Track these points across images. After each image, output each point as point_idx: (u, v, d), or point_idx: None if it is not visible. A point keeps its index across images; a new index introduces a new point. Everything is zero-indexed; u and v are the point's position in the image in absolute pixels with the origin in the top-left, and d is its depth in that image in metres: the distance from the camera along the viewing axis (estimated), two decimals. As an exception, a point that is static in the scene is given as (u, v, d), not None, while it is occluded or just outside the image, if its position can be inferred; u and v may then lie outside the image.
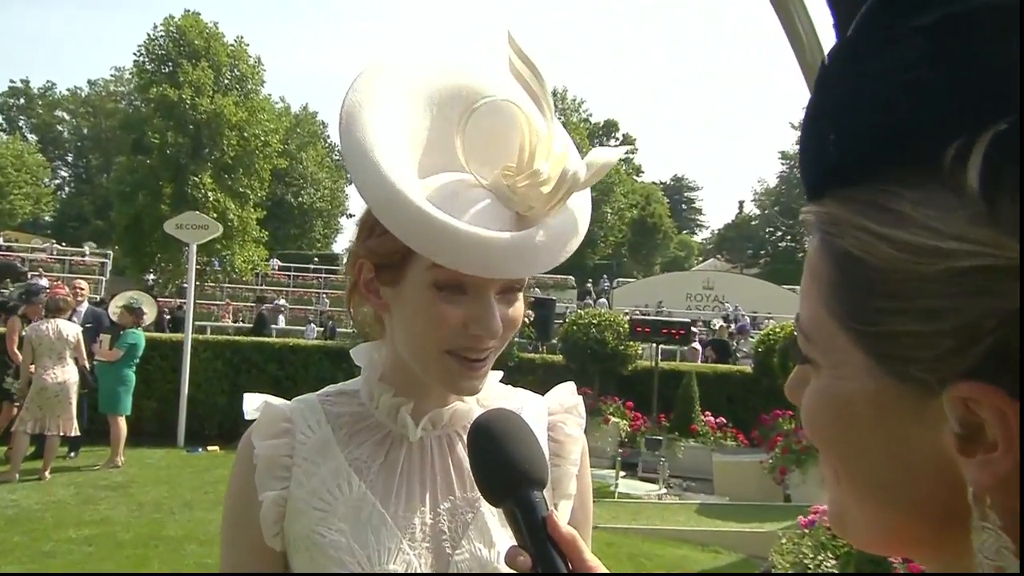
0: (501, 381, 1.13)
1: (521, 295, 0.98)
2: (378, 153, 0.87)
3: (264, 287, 31.60)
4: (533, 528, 0.75)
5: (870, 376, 0.43)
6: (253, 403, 1.06)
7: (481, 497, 0.98)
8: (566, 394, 1.14)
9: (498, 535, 0.98)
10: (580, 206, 0.97)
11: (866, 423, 0.44)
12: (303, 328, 22.90)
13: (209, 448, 9.50)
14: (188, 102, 24.69)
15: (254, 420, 1.04)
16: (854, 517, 0.48)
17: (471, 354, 0.94)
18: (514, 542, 0.76)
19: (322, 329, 22.03)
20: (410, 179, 0.89)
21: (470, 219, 0.88)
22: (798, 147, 0.50)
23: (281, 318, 23.82)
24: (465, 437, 1.03)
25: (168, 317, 17.46)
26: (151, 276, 26.79)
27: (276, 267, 33.54)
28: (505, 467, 0.78)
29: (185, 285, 13.57)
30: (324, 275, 33.61)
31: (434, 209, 0.86)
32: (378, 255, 0.96)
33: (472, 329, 0.92)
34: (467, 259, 0.86)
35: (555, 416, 1.11)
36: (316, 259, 38.64)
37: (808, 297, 0.48)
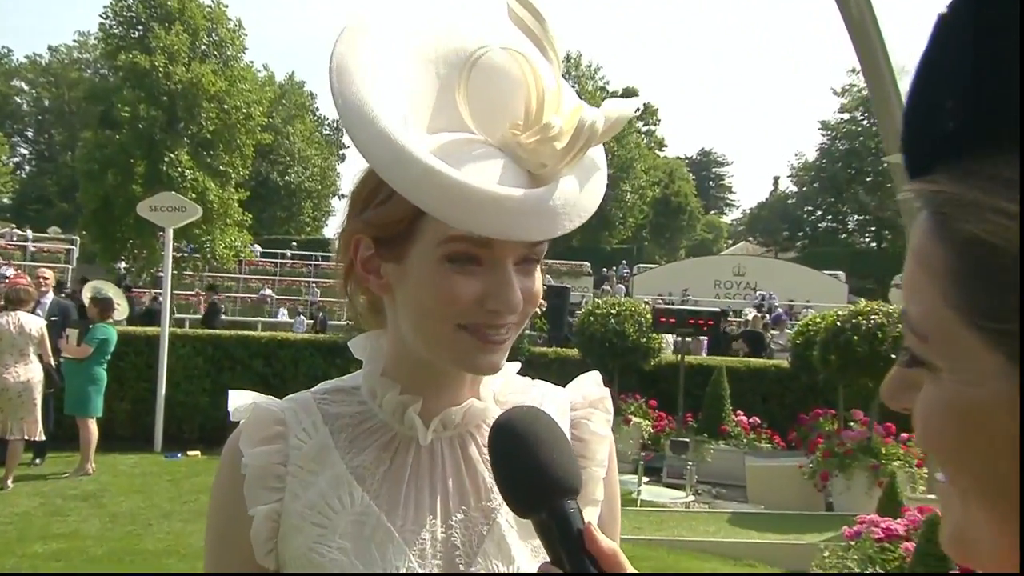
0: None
1: (539, 268, 0.98)
2: (378, 108, 0.88)
3: (248, 276, 31.72)
4: (569, 542, 0.74)
5: (1007, 380, 0.42)
6: (239, 402, 1.05)
7: (497, 507, 0.99)
8: (591, 386, 1.13)
9: (518, 550, 0.98)
10: (596, 162, 0.97)
11: (1003, 434, 0.42)
12: (292, 320, 23.02)
13: (189, 453, 9.54)
14: (161, 70, 24.65)
15: (239, 422, 1.03)
16: (985, 538, 0.46)
17: (490, 332, 0.94)
18: (537, 556, 0.75)
19: (312, 322, 22.14)
20: (415, 136, 0.89)
21: (482, 176, 0.88)
22: (904, 114, 0.47)
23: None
24: (479, 437, 1.03)
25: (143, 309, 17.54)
26: (123, 264, 26.87)
27: (258, 253, 33.64)
28: (535, 474, 0.77)
29: (161, 274, 13.59)
30: (314, 262, 33.75)
31: (444, 165, 0.86)
32: (378, 227, 0.95)
33: (489, 304, 0.92)
34: (482, 218, 0.85)
35: (579, 411, 1.10)
36: (294, 243, 38.67)
37: (919, 291, 0.46)
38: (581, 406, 1.10)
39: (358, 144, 0.88)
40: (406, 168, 0.85)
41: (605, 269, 36.42)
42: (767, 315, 21.01)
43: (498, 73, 0.96)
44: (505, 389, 1.07)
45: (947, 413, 0.45)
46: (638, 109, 1.00)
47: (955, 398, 0.44)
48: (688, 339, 10.67)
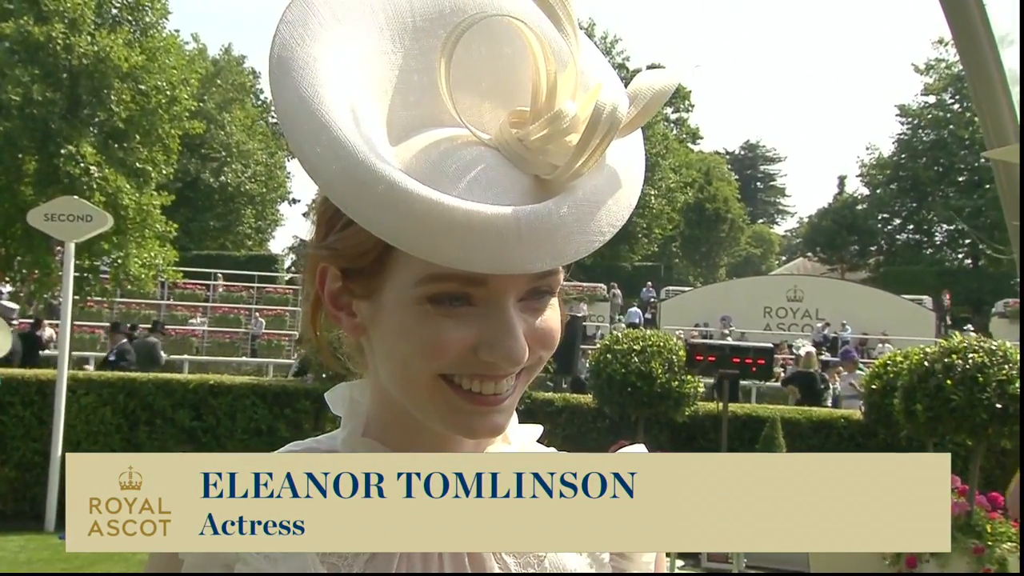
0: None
1: (555, 300, 0.96)
2: (327, 105, 0.85)
3: (173, 303, 31.64)
4: None
5: None
6: None
7: None
8: None
9: None
10: (627, 159, 0.94)
11: None
12: (229, 359, 22.95)
13: (93, 531, 9.45)
14: (60, 42, 24.70)
15: None
16: None
17: (486, 388, 0.92)
18: None
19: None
20: (377, 140, 0.86)
21: (468, 191, 0.85)
22: None
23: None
24: None
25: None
26: (7, 288, 26.82)
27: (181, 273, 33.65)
28: None
29: (58, 300, 13.51)
30: (258, 284, 33.63)
31: (411, 180, 0.82)
32: (344, 257, 0.94)
33: (483, 354, 0.90)
34: (470, 251, 0.82)
35: None
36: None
37: None
38: None
39: (297, 154, 0.85)
40: (361, 186, 0.82)
41: (617, 291, 36.41)
42: (825, 351, 20.96)
43: (494, 48, 0.95)
44: None
45: None
46: (680, 81, 0.98)
47: None
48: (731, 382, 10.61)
